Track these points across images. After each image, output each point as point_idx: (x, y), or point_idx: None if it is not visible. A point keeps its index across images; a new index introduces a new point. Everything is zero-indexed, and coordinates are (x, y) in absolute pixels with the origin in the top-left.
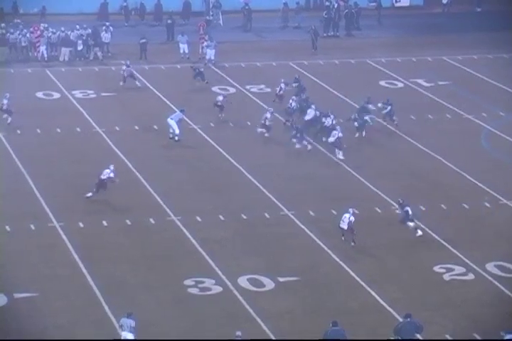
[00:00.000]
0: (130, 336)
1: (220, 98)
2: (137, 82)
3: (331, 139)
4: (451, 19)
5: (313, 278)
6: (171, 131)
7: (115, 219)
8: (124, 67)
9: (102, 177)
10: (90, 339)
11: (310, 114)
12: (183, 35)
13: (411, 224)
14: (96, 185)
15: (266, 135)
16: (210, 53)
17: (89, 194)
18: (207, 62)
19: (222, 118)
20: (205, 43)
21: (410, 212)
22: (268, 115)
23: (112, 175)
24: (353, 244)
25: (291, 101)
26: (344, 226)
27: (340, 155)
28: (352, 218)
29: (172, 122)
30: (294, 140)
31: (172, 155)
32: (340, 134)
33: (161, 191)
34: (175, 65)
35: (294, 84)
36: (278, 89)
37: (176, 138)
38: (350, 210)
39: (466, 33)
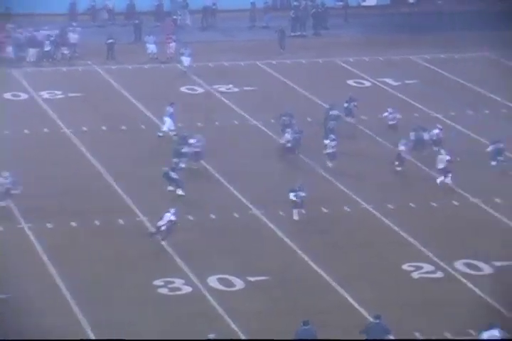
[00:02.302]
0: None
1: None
2: None
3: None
4: (418, 18)
5: (284, 278)
6: (165, 129)
7: (84, 220)
8: None
9: (162, 223)
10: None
11: None
12: (150, 35)
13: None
14: (160, 234)
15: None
16: (186, 60)
17: (163, 242)
18: (185, 70)
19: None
20: (173, 43)
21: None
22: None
23: (173, 218)
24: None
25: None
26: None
27: (447, 180)
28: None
29: (167, 119)
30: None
31: (140, 156)
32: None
33: (130, 191)
34: (142, 65)
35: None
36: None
37: (174, 132)
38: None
39: (433, 32)
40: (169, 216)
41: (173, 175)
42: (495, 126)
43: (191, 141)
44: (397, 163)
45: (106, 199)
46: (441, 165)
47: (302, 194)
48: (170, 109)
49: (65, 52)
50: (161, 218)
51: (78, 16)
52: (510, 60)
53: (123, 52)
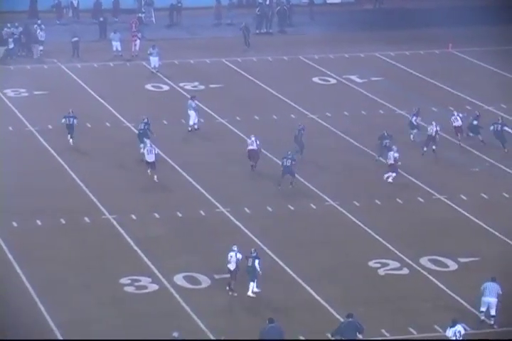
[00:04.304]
0: None
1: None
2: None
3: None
4: (382, 15)
5: (247, 275)
6: (191, 123)
7: (49, 219)
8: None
9: (231, 266)
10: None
11: None
12: (115, 33)
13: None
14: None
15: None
16: (154, 60)
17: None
18: (153, 71)
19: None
20: (138, 41)
21: None
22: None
23: (239, 256)
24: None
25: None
26: (232, 266)
27: (390, 179)
28: (239, 255)
29: (191, 113)
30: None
31: (105, 154)
32: (396, 154)
33: (96, 190)
34: (108, 62)
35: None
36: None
37: (195, 126)
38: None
39: (398, 29)
40: (234, 254)
41: (151, 157)
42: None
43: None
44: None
45: (71, 198)
46: (390, 161)
47: (288, 161)
48: (192, 103)
49: (40, 48)
50: (228, 261)
51: (41, 14)
52: (473, 56)
53: (88, 50)
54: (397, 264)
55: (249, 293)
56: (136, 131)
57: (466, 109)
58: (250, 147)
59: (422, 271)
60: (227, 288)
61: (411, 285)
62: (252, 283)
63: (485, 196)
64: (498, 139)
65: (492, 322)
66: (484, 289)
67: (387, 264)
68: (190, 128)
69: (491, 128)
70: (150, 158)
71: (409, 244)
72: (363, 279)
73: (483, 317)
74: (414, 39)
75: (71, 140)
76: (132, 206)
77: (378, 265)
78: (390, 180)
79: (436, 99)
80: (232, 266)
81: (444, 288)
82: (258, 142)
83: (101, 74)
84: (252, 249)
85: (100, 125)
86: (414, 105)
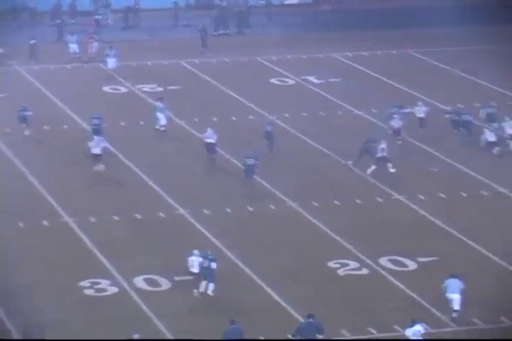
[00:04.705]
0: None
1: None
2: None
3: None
4: (340, 16)
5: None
6: (160, 123)
7: (8, 222)
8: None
9: (195, 270)
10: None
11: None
12: (72, 35)
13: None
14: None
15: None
16: (111, 62)
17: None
18: (110, 72)
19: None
20: (95, 43)
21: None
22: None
23: (200, 260)
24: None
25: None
26: (195, 270)
27: (391, 169)
28: (201, 259)
29: (159, 115)
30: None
31: (64, 156)
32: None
33: (54, 192)
34: (65, 65)
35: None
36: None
37: (163, 128)
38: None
39: (355, 30)
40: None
41: (97, 150)
42: (416, 122)
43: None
44: (349, 162)
45: (29, 200)
46: (379, 154)
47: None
48: (160, 105)
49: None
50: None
51: None
52: (430, 56)
53: (45, 52)
54: (356, 264)
55: (210, 293)
56: (90, 128)
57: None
58: (208, 140)
59: (381, 271)
60: (195, 291)
61: (371, 285)
62: (211, 284)
63: (443, 196)
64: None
65: (455, 316)
66: (446, 286)
67: (347, 264)
68: (157, 127)
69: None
70: (96, 150)
71: (369, 244)
72: (323, 280)
73: (454, 315)
74: (372, 40)
75: (27, 130)
76: (91, 208)
77: (338, 265)
78: (392, 170)
79: (393, 99)
80: (195, 270)
81: (404, 288)
82: (217, 135)
83: (58, 77)
84: (209, 251)
85: (58, 127)
86: (372, 105)
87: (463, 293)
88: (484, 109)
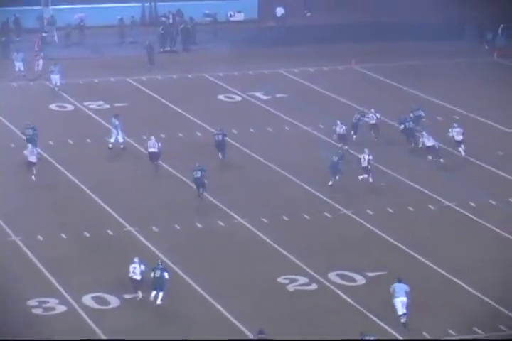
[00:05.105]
0: None
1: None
2: None
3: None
4: (286, 32)
5: None
6: (112, 140)
7: None
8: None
9: (137, 277)
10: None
11: None
12: (18, 53)
13: None
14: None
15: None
16: (55, 78)
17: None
18: (54, 87)
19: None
20: (41, 61)
21: None
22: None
23: (142, 267)
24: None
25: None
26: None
27: (370, 179)
28: (143, 267)
29: (114, 131)
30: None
31: (10, 174)
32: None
33: (1, 211)
34: (11, 82)
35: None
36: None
37: (121, 146)
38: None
39: (301, 45)
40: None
41: (32, 158)
42: (363, 136)
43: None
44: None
45: None
46: (364, 164)
47: (198, 173)
48: (115, 121)
49: None
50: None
51: None
52: (375, 71)
53: None
54: (305, 280)
55: (158, 302)
56: (24, 137)
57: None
58: (151, 149)
59: (330, 286)
60: (138, 295)
61: (320, 300)
62: (160, 293)
63: (391, 210)
64: (409, 136)
65: (404, 320)
66: (394, 291)
67: (296, 280)
68: (111, 146)
69: (401, 126)
70: (32, 158)
71: (318, 260)
72: (272, 295)
73: (403, 320)
74: (318, 55)
75: None
76: (38, 227)
77: (287, 281)
78: (370, 180)
79: (339, 114)
80: (137, 277)
81: (353, 303)
82: (160, 144)
83: (3, 95)
84: (158, 261)
85: (4, 145)
86: (319, 121)
87: (408, 295)
88: (413, 112)
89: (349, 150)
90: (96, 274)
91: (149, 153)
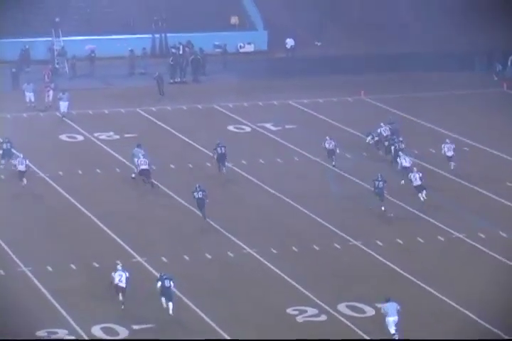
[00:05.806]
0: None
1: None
2: None
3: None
4: (295, 63)
5: (167, 325)
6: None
7: None
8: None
9: (122, 285)
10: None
11: None
12: (28, 84)
13: None
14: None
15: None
16: (64, 106)
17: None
18: (61, 115)
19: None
20: (51, 92)
21: None
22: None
23: (127, 274)
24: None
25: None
26: (123, 284)
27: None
28: (127, 274)
29: (134, 160)
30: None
31: (20, 205)
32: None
33: (10, 241)
34: (21, 113)
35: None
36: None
37: (133, 175)
38: None
39: (310, 76)
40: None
41: (22, 168)
42: (373, 168)
43: None
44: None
45: None
46: (417, 182)
47: (200, 194)
48: (140, 151)
49: None
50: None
51: None
52: (384, 102)
53: (1, 100)
54: (315, 311)
55: (171, 312)
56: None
57: (378, 155)
58: (143, 167)
59: (339, 317)
60: (122, 306)
61: (329, 331)
62: (170, 303)
63: (400, 241)
64: (378, 196)
65: (397, 337)
66: (386, 310)
67: (305, 311)
68: (133, 175)
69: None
70: (22, 167)
71: (327, 291)
72: (281, 326)
73: (396, 337)
74: (327, 86)
75: None
76: (48, 257)
77: (297, 312)
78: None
79: (350, 146)
80: (123, 285)
81: (362, 334)
82: (148, 161)
83: (14, 126)
84: (162, 273)
85: (11, 176)
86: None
87: (399, 314)
88: (386, 125)
89: (334, 167)
90: (105, 305)
91: (141, 170)
